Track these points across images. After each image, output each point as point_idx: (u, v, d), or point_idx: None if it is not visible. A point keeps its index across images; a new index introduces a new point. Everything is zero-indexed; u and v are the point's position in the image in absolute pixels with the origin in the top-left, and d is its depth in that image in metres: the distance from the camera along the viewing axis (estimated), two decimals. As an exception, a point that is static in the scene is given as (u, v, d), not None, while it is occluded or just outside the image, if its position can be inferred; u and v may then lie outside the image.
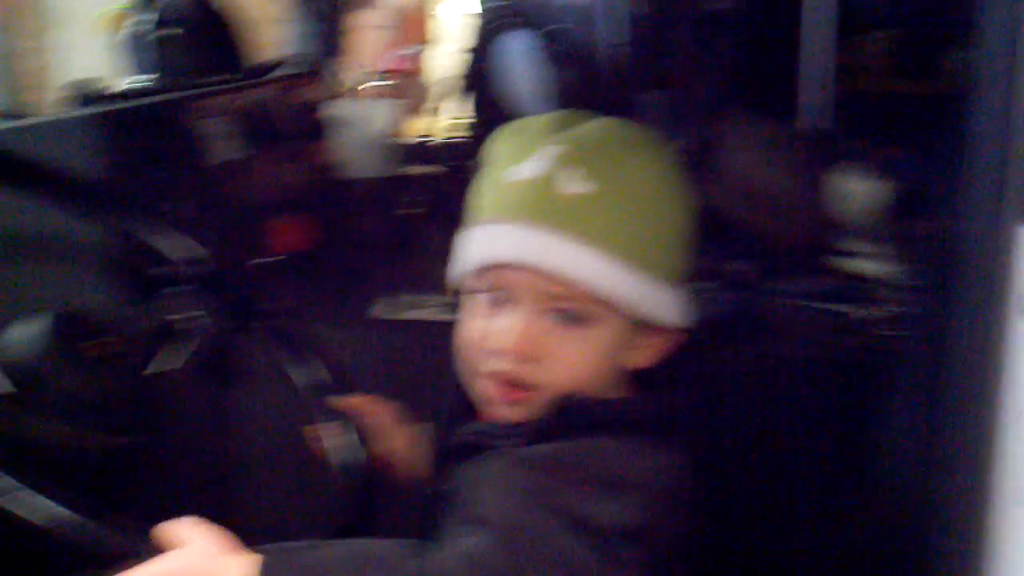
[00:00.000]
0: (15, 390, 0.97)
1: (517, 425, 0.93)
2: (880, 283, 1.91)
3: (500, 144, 1.00)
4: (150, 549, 0.85)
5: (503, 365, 0.94)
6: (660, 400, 0.96)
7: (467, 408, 1.02)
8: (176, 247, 1.21)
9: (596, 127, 0.97)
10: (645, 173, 0.94)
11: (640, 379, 0.98)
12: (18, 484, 0.84)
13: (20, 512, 0.83)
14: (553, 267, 0.91)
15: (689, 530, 0.90)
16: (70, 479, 0.98)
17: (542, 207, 0.92)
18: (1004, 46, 0.62)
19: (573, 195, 0.91)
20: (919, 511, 0.97)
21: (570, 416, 0.90)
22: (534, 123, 0.99)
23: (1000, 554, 0.63)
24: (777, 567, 1.29)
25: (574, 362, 0.93)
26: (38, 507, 0.84)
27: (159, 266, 1.21)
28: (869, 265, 2.00)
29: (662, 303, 0.94)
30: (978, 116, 0.64)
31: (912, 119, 2.33)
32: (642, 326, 0.94)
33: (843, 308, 1.82)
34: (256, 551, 0.84)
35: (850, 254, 2.05)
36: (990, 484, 0.64)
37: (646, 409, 0.94)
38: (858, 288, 1.90)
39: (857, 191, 1.94)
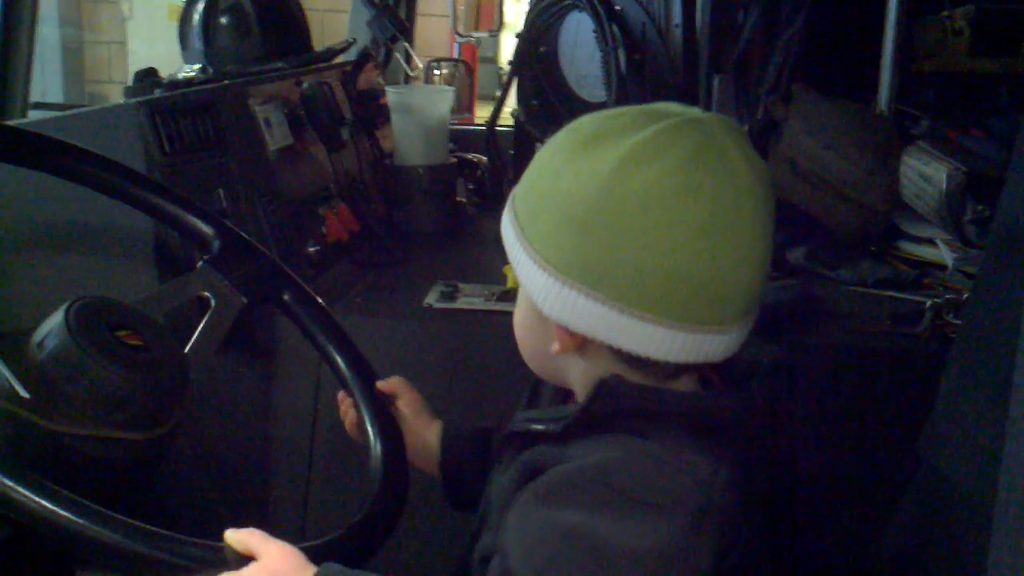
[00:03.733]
0: (47, 387, 0.96)
1: (561, 411, 0.91)
2: (945, 270, 1.85)
3: None
4: (218, 561, 0.86)
5: None
6: (714, 395, 0.91)
7: (541, 394, 1.02)
8: (205, 221, 1.21)
9: (615, 113, 0.89)
10: (553, 147, 0.88)
11: (723, 371, 0.93)
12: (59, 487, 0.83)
13: (66, 519, 0.82)
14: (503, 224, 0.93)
15: (738, 542, 0.86)
16: (107, 477, 0.98)
17: None
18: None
19: (526, 173, 0.93)
20: (979, 512, 0.93)
21: (604, 402, 0.85)
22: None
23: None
24: (832, 570, 1.25)
25: (516, 321, 0.96)
26: (86, 513, 0.83)
27: (189, 242, 1.21)
28: (935, 251, 1.93)
29: (537, 283, 0.86)
30: None
31: (988, 101, 2.26)
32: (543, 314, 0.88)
33: (907, 295, 1.76)
34: (316, 571, 0.87)
35: (916, 239, 1.99)
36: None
37: (695, 403, 0.88)
38: (923, 275, 1.84)
39: (927, 172, 1.86)
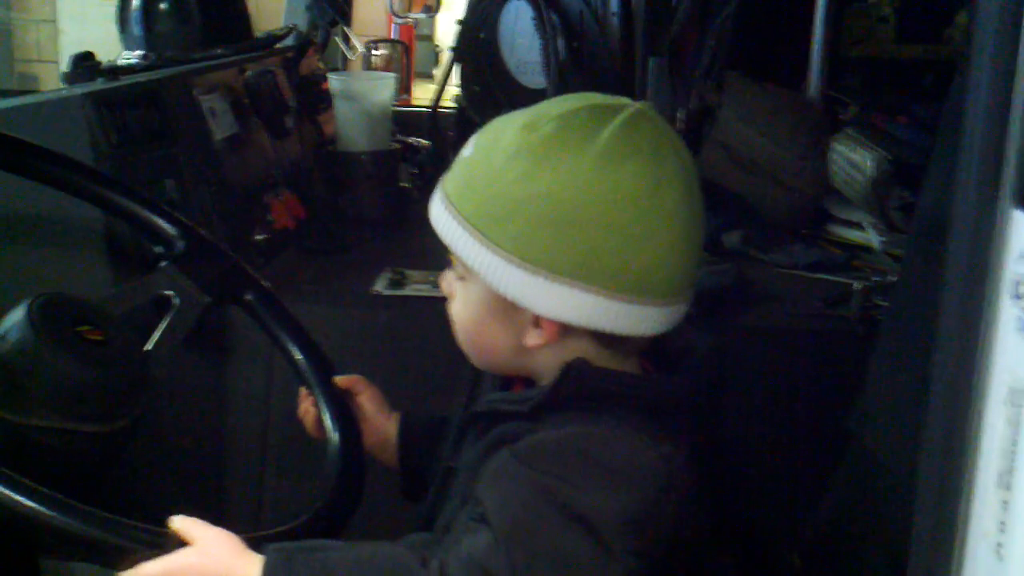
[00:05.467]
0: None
1: (527, 395, 0.95)
2: (873, 253, 1.92)
3: None
4: (159, 544, 0.88)
5: None
6: (666, 379, 0.96)
7: (483, 381, 1.05)
8: (170, 222, 1.22)
9: (556, 99, 0.94)
10: (512, 150, 0.89)
11: (658, 356, 0.98)
12: (18, 475, 0.85)
13: (23, 505, 0.84)
14: (433, 221, 0.94)
15: (690, 518, 0.91)
16: (67, 468, 1.00)
17: (449, 170, 0.96)
18: (1007, 14, 0.60)
19: (460, 157, 0.94)
20: (904, 486, 0.98)
21: (572, 384, 0.90)
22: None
23: (981, 535, 0.64)
24: (768, 541, 1.31)
25: (458, 312, 0.98)
26: (41, 499, 0.85)
27: (153, 242, 1.22)
28: (863, 234, 2.00)
29: (516, 283, 0.89)
30: (976, 91, 0.63)
31: (912, 87, 2.33)
32: (513, 303, 0.90)
33: (837, 278, 1.82)
34: (265, 550, 0.88)
35: (845, 223, 2.06)
36: (974, 464, 0.65)
37: (651, 386, 0.94)
38: (852, 258, 1.90)
39: (855, 160, 1.93)
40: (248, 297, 1.22)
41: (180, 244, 1.20)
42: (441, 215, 0.93)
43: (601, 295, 0.88)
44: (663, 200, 0.88)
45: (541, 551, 0.84)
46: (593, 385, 0.90)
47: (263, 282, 1.25)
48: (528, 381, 0.99)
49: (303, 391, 1.19)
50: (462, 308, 0.97)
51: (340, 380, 1.18)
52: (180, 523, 0.90)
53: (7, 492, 0.84)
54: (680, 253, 0.90)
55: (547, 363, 0.94)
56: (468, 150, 0.94)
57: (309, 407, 1.18)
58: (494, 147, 0.91)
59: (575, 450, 0.87)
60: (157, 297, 1.16)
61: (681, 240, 0.89)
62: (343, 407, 1.15)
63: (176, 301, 1.15)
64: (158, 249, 1.21)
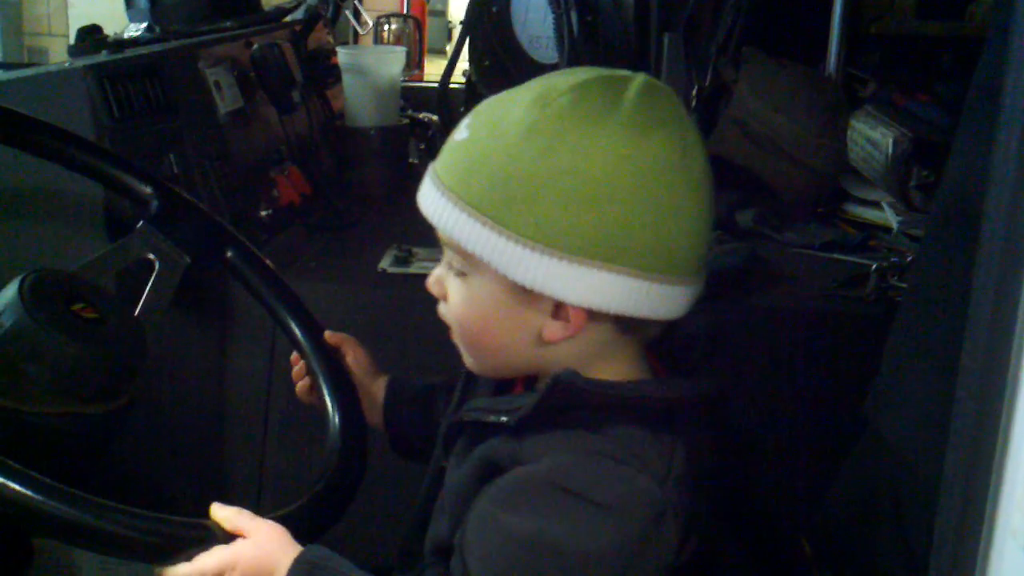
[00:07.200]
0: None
1: (512, 401, 0.89)
2: (890, 233, 1.88)
3: None
4: (207, 539, 0.87)
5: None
6: (666, 382, 0.91)
7: (477, 379, 1.01)
8: (142, 180, 1.19)
9: (551, 74, 0.88)
10: (525, 126, 0.82)
11: (660, 347, 0.94)
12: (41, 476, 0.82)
13: (58, 509, 0.81)
14: (427, 213, 0.88)
15: (690, 537, 0.87)
16: (70, 452, 0.98)
17: (439, 155, 0.89)
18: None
19: (453, 142, 0.87)
20: (920, 472, 0.95)
21: (560, 398, 0.85)
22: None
23: (1009, 531, 0.61)
24: (779, 527, 1.28)
25: (461, 311, 0.90)
26: (73, 501, 0.82)
27: (128, 201, 1.20)
28: (880, 214, 1.97)
29: (539, 270, 0.82)
30: (1016, 58, 0.59)
31: (933, 64, 2.28)
32: (530, 294, 0.85)
33: (853, 258, 1.79)
34: (296, 557, 0.87)
35: (862, 202, 2.02)
36: (1004, 456, 0.62)
37: (638, 391, 0.88)
38: (868, 238, 1.87)
39: (874, 137, 1.89)
40: (229, 254, 1.20)
41: (154, 203, 1.18)
42: (438, 204, 0.86)
43: (631, 276, 0.83)
44: (691, 169, 0.84)
45: None
46: (584, 398, 0.85)
47: (242, 238, 1.23)
48: (529, 380, 0.94)
49: (295, 356, 1.17)
50: (465, 307, 0.90)
51: (329, 337, 1.16)
52: (225, 513, 0.89)
53: (30, 494, 0.80)
54: (705, 225, 0.87)
55: (565, 356, 0.88)
56: (462, 133, 0.87)
57: (302, 372, 1.16)
58: (499, 126, 0.84)
59: (557, 487, 0.82)
60: (141, 262, 1.14)
61: (707, 211, 0.86)
62: (337, 370, 1.13)
63: (157, 264, 1.13)
64: (134, 210, 1.19)
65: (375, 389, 1.16)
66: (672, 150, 0.83)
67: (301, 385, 1.17)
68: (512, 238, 0.82)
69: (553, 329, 0.87)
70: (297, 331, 1.16)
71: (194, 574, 0.86)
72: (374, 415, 1.15)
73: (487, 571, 0.83)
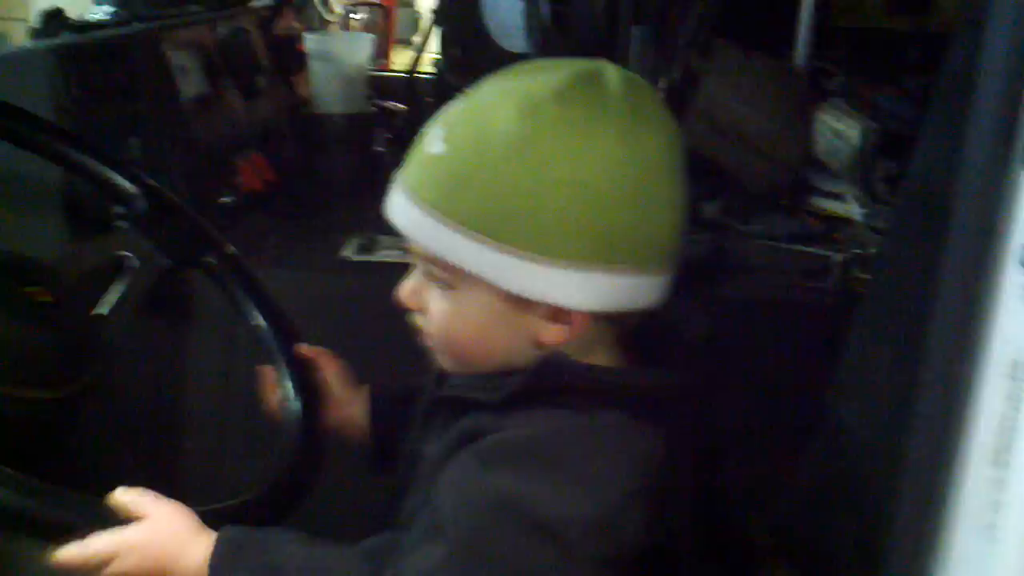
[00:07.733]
0: None
1: (497, 380, 0.88)
2: (853, 225, 1.90)
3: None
4: (104, 518, 0.82)
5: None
6: (649, 372, 0.90)
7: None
8: (131, 180, 1.17)
9: (517, 76, 0.85)
10: (515, 140, 0.80)
11: (638, 339, 0.93)
12: None
13: None
14: (406, 231, 0.85)
15: (664, 518, 0.86)
16: (13, 437, 0.96)
17: (409, 169, 0.86)
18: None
19: (427, 157, 0.85)
20: (880, 461, 0.96)
21: (548, 378, 0.84)
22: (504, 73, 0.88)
23: (971, 515, 0.61)
24: (742, 517, 1.29)
25: (448, 324, 0.87)
26: None
27: (113, 200, 1.17)
28: (844, 206, 1.98)
29: (538, 280, 0.81)
30: (989, 52, 0.60)
31: (900, 58, 2.30)
32: (526, 301, 0.83)
33: (816, 250, 1.80)
34: (216, 535, 0.84)
35: (827, 195, 2.03)
36: (968, 441, 0.62)
37: (626, 379, 0.88)
38: (832, 230, 1.88)
39: (840, 129, 1.90)
40: (211, 260, 1.17)
41: (141, 203, 1.15)
42: (420, 223, 0.84)
43: (631, 274, 0.83)
44: (676, 161, 0.85)
45: (498, 563, 0.79)
46: (572, 381, 0.85)
47: (228, 245, 1.20)
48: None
49: (262, 370, 1.13)
50: (453, 320, 0.87)
51: (304, 350, 1.13)
52: (128, 496, 0.85)
53: None
54: (685, 214, 0.87)
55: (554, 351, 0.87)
56: (437, 147, 0.84)
57: (271, 385, 1.11)
58: (484, 140, 0.82)
59: (539, 453, 0.82)
60: (114, 258, 1.11)
61: (686, 200, 0.86)
62: (306, 379, 1.10)
63: (136, 263, 1.11)
64: (118, 208, 1.17)
65: (354, 403, 1.13)
66: (661, 146, 0.83)
67: (269, 399, 1.13)
68: (512, 252, 0.81)
69: (552, 333, 0.86)
70: (275, 343, 1.12)
71: (83, 556, 0.81)
72: (354, 430, 1.12)
73: (458, 523, 0.81)
